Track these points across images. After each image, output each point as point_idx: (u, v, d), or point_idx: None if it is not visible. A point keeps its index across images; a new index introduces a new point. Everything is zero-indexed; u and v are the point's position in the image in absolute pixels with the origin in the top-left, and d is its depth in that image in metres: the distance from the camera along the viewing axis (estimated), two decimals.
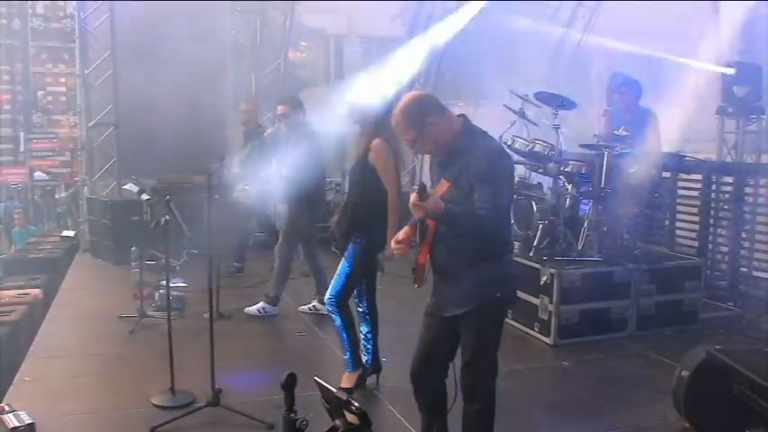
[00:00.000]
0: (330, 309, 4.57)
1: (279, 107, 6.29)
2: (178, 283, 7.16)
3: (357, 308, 4.70)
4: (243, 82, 11.22)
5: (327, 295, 4.57)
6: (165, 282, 4.89)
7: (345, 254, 4.52)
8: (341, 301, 4.53)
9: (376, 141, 4.36)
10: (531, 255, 6.15)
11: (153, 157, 9.55)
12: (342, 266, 4.52)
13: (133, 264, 8.00)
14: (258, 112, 8.87)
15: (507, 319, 6.08)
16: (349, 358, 4.61)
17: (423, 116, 3.05)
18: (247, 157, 7.60)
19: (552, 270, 5.72)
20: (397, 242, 3.16)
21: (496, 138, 6.68)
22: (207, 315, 4.54)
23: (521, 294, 5.84)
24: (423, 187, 2.83)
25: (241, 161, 7.63)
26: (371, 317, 4.70)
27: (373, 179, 4.38)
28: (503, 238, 3.13)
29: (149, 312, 6.26)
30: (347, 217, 4.49)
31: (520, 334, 5.99)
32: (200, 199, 8.02)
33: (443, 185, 3.09)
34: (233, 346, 5.57)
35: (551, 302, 5.70)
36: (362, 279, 4.61)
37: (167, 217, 4.59)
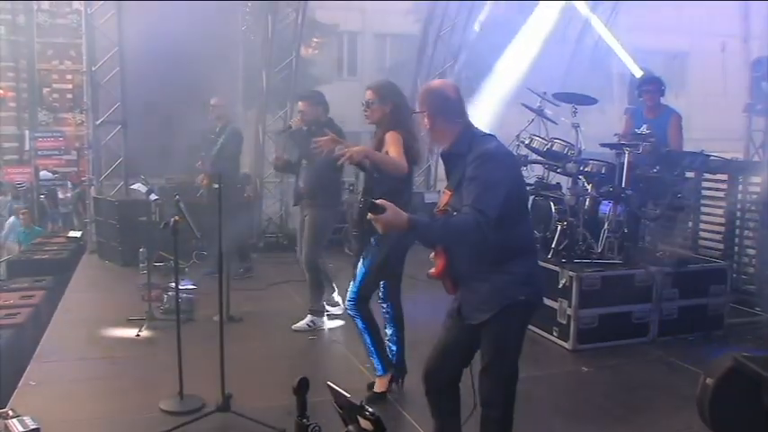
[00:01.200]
0: (350, 311, 4.58)
1: (299, 103, 6.23)
2: (187, 285, 7.20)
3: (381, 309, 4.71)
4: (254, 79, 11.26)
5: (347, 297, 4.59)
6: (173, 284, 4.93)
7: (363, 254, 4.52)
8: (360, 302, 4.54)
9: (390, 132, 4.38)
10: (549, 257, 6.14)
11: (161, 157, 9.62)
12: (360, 267, 4.53)
13: (141, 265, 8.05)
14: (229, 107, 8.70)
15: None
16: (376, 362, 4.61)
17: (435, 108, 3.15)
18: (217, 155, 7.65)
19: (571, 273, 5.71)
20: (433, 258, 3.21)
21: (513, 136, 6.71)
22: (217, 318, 4.57)
23: None
24: (368, 201, 2.86)
25: (211, 158, 7.69)
26: (396, 318, 4.70)
27: (394, 180, 4.37)
28: (520, 239, 3.12)
29: (157, 315, 6.30)
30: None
31: (538, 338, 5.99)
32: (209, 199, 8.22)
33: (445, 195, 3.15)
34: (243, 349, 5.61)
35: (570, 306, 5.69)
36: (383, 280, 4.60)
37: (176, 218, 4.62)
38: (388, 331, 4.71)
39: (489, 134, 3.17)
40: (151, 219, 7.04)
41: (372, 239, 4.46)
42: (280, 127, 9.88)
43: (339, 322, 6.37)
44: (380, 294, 4.68)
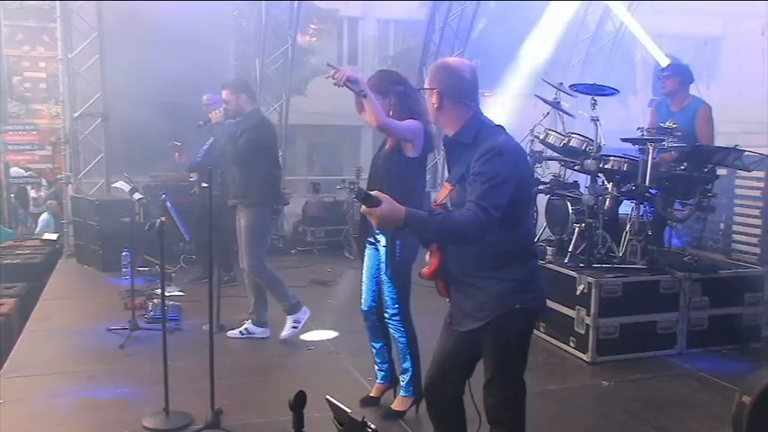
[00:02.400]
0: (396, 326, 4.51)
1: (222, 92, 6.13)
2: (174, 291, 7.26)
3: (372, 323, 4.72)
4: (246, 69, 11.29)
5: (390, 312, 4.50)
6: (159, 290, 4.96)
7: (384, 259, 4.46)
8: (406, 317, 4.50)
9: (409, 121, 4.37)
10: (565, 261, 6.18)
11: (146, 153, 9.65)
12: (384, 279, 4.47)
13: (124, 270, 8.14)
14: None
15: (539, 333, 6.15)
16: (409, 380, 4.59)
17: (446, 86, 3.14)
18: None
19: (590, 278, 5.74)
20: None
21: (527, 130, 6.73)
22: (206, 327, 4.60)
23: (554, 306, 5.88)
24: (362, 191, 2.80)
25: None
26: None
27: (408, 175, 4.40)
28: (519, 243, 3.13)
29: (142, 324, 6.34)
30: None
31: (553, 349, 6.02)
32: (199, 199, 8.25)
33: (445, 189, 3.15)
34: (235, 361, 5.65)
35: (589, 315, 5.72)
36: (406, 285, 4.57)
37: (163, 219, 4.66)
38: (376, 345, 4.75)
39: (499, 125, 3.17)
40: (135, 220, 7.08)
41: (397, 243, 4.39)
42: (273, 120, 9.91)
43: (333, 333, 6.41)
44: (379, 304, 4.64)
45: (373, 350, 4.79)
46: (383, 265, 4.45)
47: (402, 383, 4.63)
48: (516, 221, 3.02)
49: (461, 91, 3.15)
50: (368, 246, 4.60)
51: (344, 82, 4.22)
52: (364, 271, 4.65)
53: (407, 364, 4.57)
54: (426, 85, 3.22)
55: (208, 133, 7.50)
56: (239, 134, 5.97)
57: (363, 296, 4.68)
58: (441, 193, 3.17)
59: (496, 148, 2.98)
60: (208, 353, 4.41)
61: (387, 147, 4.51)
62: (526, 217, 3.20)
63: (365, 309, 4.68)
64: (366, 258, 4.64)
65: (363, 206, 2.78)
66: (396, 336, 4.54)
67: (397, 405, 4.63)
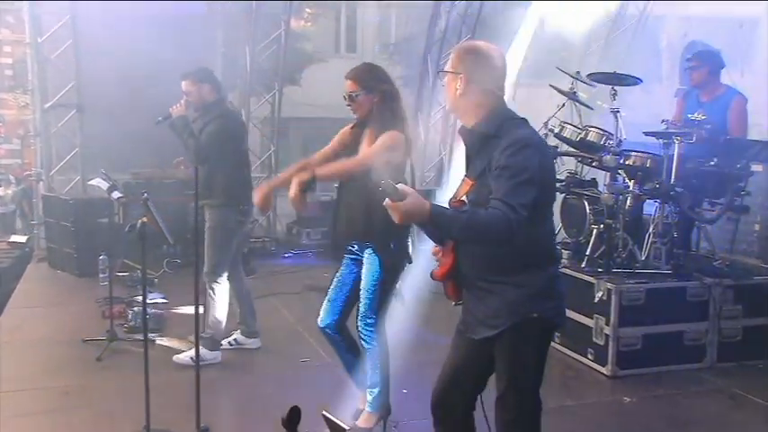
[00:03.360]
0: (367, 335, 4.51)
1: (183, 83, 6.07)
2: (156, 298, 7.26)
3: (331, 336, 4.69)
4: (235, 56, 11.30)
5: (366, 321, 4.50)
6: (140, 297, 4.97)
7: (366, 261, 4.48)
8: (379, 322, 4.50)
9: (391, 133, 4.38)
10: (583, 266, 6.19)
11: (126, 147, 9.65)
12: (369, 277, 4.47)
13: (101, 276, 8.15)
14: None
15: (554, 344, 6.15)
16: (378, 395, 4.60)
17: (474, 72, 3.13)
18: None
19: (609, 284, 5.76)
20: (435, 253, 3.22)
21: (540, 123, 6.73)
22: (192, 338, 4.61)
23: (570, 314, 5.88)
24: (389, 184, 2.78)
25: None
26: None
27: (397, 174, 4.41)
28: (539, 246, 3.13)
29: (121, 335, 6.35)
30: (375, 216, 4.32)
31: (570, 362, 6.03)
32: (185, 198, 8.26)
33: (465, 184, 3.14)
34: (223, 374, 5.67)
35: (608, 324, 5.73)
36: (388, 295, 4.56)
37: (144, 219, 4.67)
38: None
39: (522, 118, 3.18)
40: (114, 221, 7.10)
41: (370, 248, 4.43)
42: (265, 113, 9.91)
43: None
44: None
45: (344, 363, 4.79)
46: (369, 273, 4.45)
47: (369, 398, 4.63)
48: (537, 222, 3.01)
49: (489, 78, 3.16)
50: (346, 256, 4.59)
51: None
52: (334, 284, 4.64)
53: (376, 378, 4.56)
54: (449, 68, 3.20)
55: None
56: (201, 128, 5.95)
57: (323, 311, 4.64)
58: (460, 189, 3.15)
59: (523, 140, 2.98)
60: (194, 365, 4.41)
61: (365, 146, 4.50)
62: (548, 217, 3.21)
63: (324, 325, 4.64)
64: (341, 269, 4.63)
65: (387, 200, 2.77)
66: (367, 347, 4.53)
67: (362, 422, 4.63)
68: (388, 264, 4.43)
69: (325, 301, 4.64)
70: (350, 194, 4.51)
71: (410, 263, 4.55)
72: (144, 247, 4.62)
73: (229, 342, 6.29)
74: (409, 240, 4.52)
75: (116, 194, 6.32)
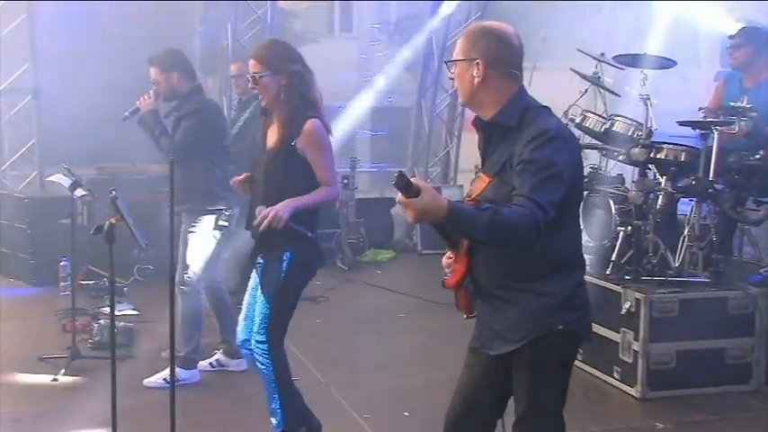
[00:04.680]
0: (260, 352, 4.51)
1: (151, 70, 6.02)
2: (126, 310, 7.27)
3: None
4: (215, 36, 11.29)
5: (257, 337, 4.50)
6: (107, 309, 4.98)
7: (270, 268, 4.49)
8: (275, 338, 4.50)
9: (309, 123, 4.42)
10: (608, 273, 6.22)
11: (91, 138, 9.65)
12: (260, 297, 4.50)
13: (62, 284, 8.15)
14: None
15: (576, 362, 6.14)
16: (279, 421, 4.57)
17: (492, 55, 3.13)
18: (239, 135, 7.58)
19: (638, 294, 5.76)
20: (447, 266, 3.22)
21: (561, 113, 6.74)
22: (166, 354, 4.61)
23: (594, 327, 5.87)
24: (403, 177, 2.75)
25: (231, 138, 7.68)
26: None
27: (310, 177, 4.48)
28: (564, 250, 3.14)
29: (85, 352, 6.35)
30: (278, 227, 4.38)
31: (594, 382, 6.04)
32: (158, 196, 8.27)
33: (481, 181, 3.14)
34: (202, 396, 5.69)
35: (637, 339, 5.73)
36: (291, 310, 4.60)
37: (113, 220, 4.67)
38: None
39: (545, 106, 3.18)
40: (77, 222, 7.07)
41: (286, 256, 4.43)
42: None
43: (331, 362, 6.42)
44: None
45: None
46: (263, 285, 4.48)
47: (273, 424, 4.60)
48: (563, 223, 3.00)
49: (510, 60, 3.16)
50: (257, 266, 4.61)
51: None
52: (247, 296, 4.67)
53: (276, 405, 4.54)
54: (461, 56, 3.19)
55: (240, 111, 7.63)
56: (175, 123, 5.94)
57: (240, 329, 4.69)
58: (476, 186, 3.15)
59: (550, 131, 2.98)
60: (168, 386, 4.41)
61: (273, 143, 4.52)
62: (574, 218, 3.21)
63: (241, 342, 4.69)
64: (252, 280, 4.65)
65: (400, 196, 2.74)
66: (260, 367, 4.52)
67: None
68: (283, 276, 4.45)
69: (241, 318, 4.67)
70: (256, 201, 4.55)
71: (320, 265, 4.62)
72: (112, 252, 4.62)
73: (211, 363, 6.29)
74: (314, 251, 4.55)
75: (79, 192, 6.32)
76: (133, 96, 5.93)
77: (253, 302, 4.59)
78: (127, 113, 5.99)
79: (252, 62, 4.52)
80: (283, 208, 4.28)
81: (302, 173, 4.45)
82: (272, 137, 4.51)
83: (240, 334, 4.67)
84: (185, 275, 4.59)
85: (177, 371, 5.44)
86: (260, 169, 4.56)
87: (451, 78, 3.30)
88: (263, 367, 4.50)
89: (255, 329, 4.49)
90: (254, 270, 4.58)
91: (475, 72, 3.13)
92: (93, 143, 9.69)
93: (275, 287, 4.42)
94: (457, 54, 3.21)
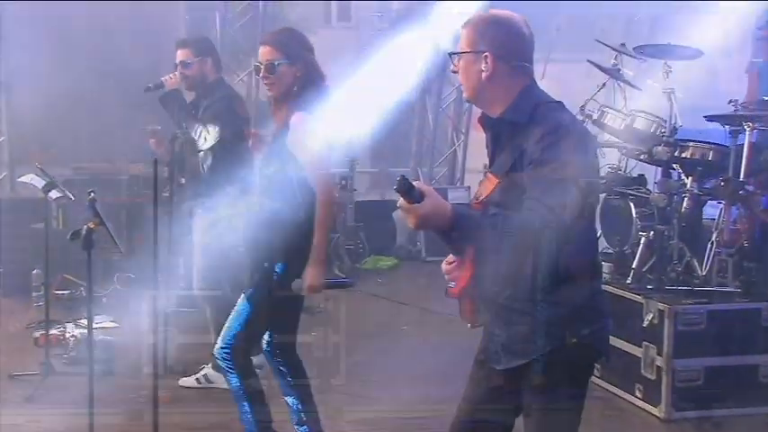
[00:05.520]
0: (224, 363, 4.59)
1: (179, 53, 6.10)
2: (104, 322, 7.26)
3: (277, 368, 4.78)
4: (203, 25, 11.30)
5: (219, 343, 4.58)
6: (84, 321, 4.98)
7: (251, 281, 4.55)
8: (237, 352, 4.54)
9: (297, 116, 4.43)
10: (628, 282, 6.22)
11: (67, 135, 9.65)
12: (241, 301, 4.55)
13: (35, 294, 8.14)
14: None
15: (594, 378, 6.16)
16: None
17: (501, 46, 3.13)
18: None
19: (662, 305, 5.76)
20: (449, 263, 3.22)
21: (577, 109, 6.73)
22: (149, 370, 4.60)
23: (614, 341, 5.88)
24: (405, 182, 2.74)
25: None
26: (297, 380, 4.74)
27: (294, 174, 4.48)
28: (579, 257, 3.14)
29: (59, 368, 6.35)
30: (265, 233, 4.48)
31: (613, 401, 6.03)
32: (141, 198, 8.25)
33: (489, 183, 3.14)
34: (187, 416, 5.68)
35: (660, 354, 5.73)
36: (274, 323, 4.66)
37: (91, 224, 4.68)
38: (289, 401, 4.76)
39: (558, 101, 3.17)
40: (51, 226, 7.09)
41: (279, 264, 4.47)
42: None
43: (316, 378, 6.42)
44: (268, 346, 4.73)
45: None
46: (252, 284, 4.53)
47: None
48: (577, 228, 3.00)
49: (520, 51, 3.15)
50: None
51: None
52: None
53: (247, 419, 4.64)
54: (466, 48, 3.19)
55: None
56: (201, 112, 6.01)
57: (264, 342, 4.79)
58: (484, 188, 3.15)
59: (563, 128, 2.97)
60: (150, 406, 4.42)
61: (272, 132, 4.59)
62: (590, 223, 3.21)
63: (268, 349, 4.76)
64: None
65: (402, 201, 2.74)
66: (225, 374, 4.65)
67: None
68: (266, 290, 4.49)
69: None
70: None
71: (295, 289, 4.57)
72: (90, 259, 4.64)
73: (197, 379, 6.30)
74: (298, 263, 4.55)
75: (54, 194, 6.33)
76: (115, 89, 5.95)
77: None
78: (151, 85, 6.06)
79: (265, 49, 4.50)
80: (316, 279, 4.38)
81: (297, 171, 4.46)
82: (275, 121, 4.54)
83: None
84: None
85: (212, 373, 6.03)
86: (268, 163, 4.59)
87: (454, 72, 3.29)
88: (229, 374, 4.60)
89: (222, 335, 4.57)
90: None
91: (482, 66, 3.12)
92: (68, 141, 9.68)
93: (259, 294, 4.47)
94: (462, 45, 3.20)
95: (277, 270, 4.44)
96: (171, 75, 6.08)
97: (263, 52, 4.50)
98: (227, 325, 4.55)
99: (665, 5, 13.27)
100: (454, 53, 3.25)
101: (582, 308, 3.10)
